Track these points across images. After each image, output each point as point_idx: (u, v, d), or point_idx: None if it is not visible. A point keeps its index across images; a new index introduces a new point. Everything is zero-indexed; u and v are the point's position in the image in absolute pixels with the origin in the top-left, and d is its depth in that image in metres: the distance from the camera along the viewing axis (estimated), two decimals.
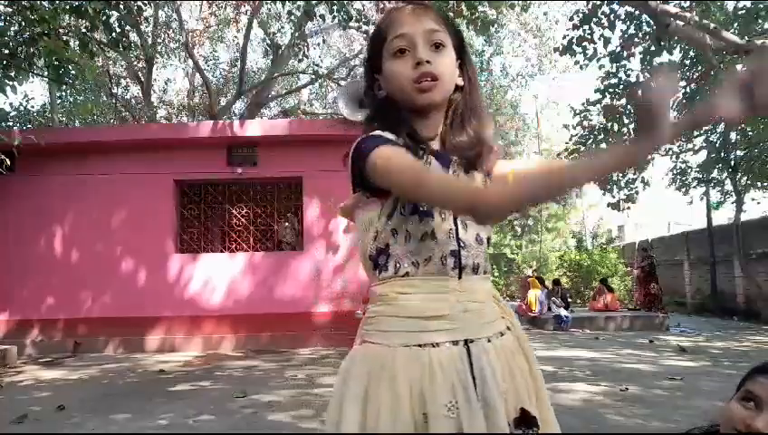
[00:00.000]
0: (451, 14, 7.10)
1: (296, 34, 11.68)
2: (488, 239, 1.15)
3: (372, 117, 1.19)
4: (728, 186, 13.77)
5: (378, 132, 1.10)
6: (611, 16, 8.61)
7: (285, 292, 8.01)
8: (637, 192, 11.09)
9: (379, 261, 1.09)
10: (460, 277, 1.07)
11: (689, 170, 13.86)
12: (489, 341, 1.06)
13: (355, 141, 1.09)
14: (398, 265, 1.07)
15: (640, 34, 8.87)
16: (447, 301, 1.05)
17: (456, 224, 1.09)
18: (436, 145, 1.16)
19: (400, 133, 1.11)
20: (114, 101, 16.48)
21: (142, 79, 15.75)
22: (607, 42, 8.68)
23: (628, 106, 9.70)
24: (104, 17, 6.64)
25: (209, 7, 15.27)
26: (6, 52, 5.99)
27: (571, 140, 11.15)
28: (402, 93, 1.11)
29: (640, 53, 9.10)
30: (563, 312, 10.62)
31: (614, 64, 9.31)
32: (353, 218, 1.18)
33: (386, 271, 1.08)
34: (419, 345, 1.02)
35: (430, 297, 1.05)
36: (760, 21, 8.59)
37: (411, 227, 1.07)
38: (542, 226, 22.30)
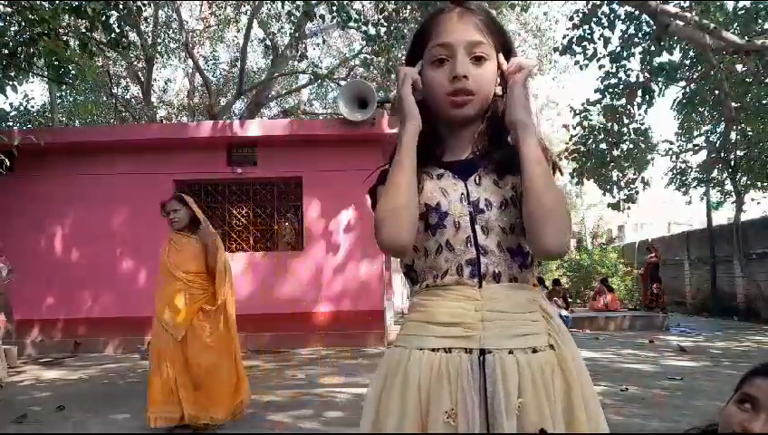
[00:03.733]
0: None
1: (296, 35, 11.68)
2: (527, 254, 1.10)
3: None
4: (728, 186, 13.77)
5: (382, 171, 1.16)
6: (611, 16, 8.61)
7: (285, 292, 8.01)
8: (637, 192, 11.08)
9: (411, 276, 1.15)
10: (480, 286, 1.06)
11: (689, 170, 13.86)
12: (511, 353, 1.01)
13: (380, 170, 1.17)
14: (422, 279, 1.11)
15: (640, 34, 8.87)
16: (465, 309, 1.04)
17: (474, 231, 1.08)
18: (466, 151, 1.15)
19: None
20: (114, 101, 16.47)
21: (142, 79, 15.76)
22: (607, 42, 8.68)
23: (628, 106, 9.70)
24: (104, 17, 6.63)
25: (209, 7, 15.27)
26: (6, 52, 5.99)
27: (570, 140, 11.15)
28: (436, 103, 1.13)
29: (640, 53, 9.10)
30: (564, 312, 10.63)
31: (614, 64, 9.30)
32: None
33: (415, 284, 1.14)
34: (433, 350, 1.04)
35: (449, 305, 1.06)
36: (760, 21, 8.59)
37: (427, 243, 1.10)
38: None
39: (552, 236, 1.00)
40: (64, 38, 6.69)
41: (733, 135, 12.07)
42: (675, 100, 11.38)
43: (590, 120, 10.54)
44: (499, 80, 1.14)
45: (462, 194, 1.09)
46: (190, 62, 15.92)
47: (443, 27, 1.10)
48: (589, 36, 8.75)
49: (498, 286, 1.06)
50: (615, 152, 10.42)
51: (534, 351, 1.04)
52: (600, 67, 9.44)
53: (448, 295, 1.06)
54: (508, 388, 0.98)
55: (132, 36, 10.59)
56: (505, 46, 1.15)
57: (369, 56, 9.89)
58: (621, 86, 9.48)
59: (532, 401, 0.99)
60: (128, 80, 17.16)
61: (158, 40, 14.80)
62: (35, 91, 32.83)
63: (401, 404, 1.02)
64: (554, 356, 1.05)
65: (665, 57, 9.42)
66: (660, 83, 9.61)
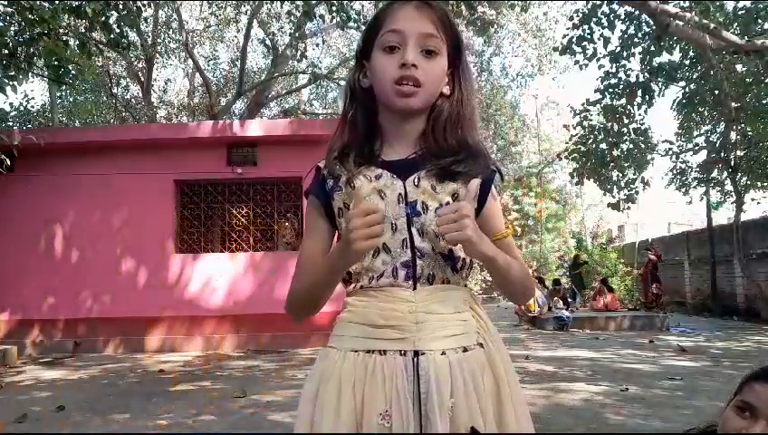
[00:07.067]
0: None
1: (296, 35, 11.69)
2: (461, 259, 1.09)
3: (348, 111, 1.18)
4: (728, 186, 13.76)
5: (316, 169, 1.20)
6: (611, 16, 8.62)
7: (285, 292, 7.95)
8: (637, 192, 11.09)
9: (344, 278, 1.12)
10: (414, 288, 1.05)
11: (689, 170, 13.86)
12: (444, 354, 1.02)
13: (309, 173, 1.21)
14: (357, 280, 1.10)
15: (640, 34, 8.87)
16: (399, 311, 1.04)
17: (410, 233, 1.06)
18: (408, 150, 1.12)
19: (354, 143, 1.14)
20: (114, 101, 16.47)
21: (142, 79, 15.76)
22: (607, 42, 8.68)
23: (628, 106, 9.71)
24: (103, 17, 6.63)
25: (209, 7, 15.26)
26: (6, 52, 5.98)
27: (570, 140, 11.16)
28: (382, 91, 1.09)
29: (640, 53, 9.11)
30: (565, 313, 10.63)
31: (614, 64, 9.31)
32: None
33: (349, 285, 1.12)
34: (368, 352, 1.04)
35: (382, 307, 1.05)
36: (760, 21, 8.59)
37: None
38: (542, 226, 22.30)
39: (523, 300, 1.25)
40: (64, 38, 6.69)
41: (733, 135, 12.07)
42: (675, 100, 11.38)
43: (590, 121, 10.55)
44: (447, 79, 1.12)
45: (400, 195, 1.07)
46: (190, 62, 15.91)
47: (397, 16, 1.08)
48: (589, 36, 8.76)
49: (431, 288, 1.06)
50: (615, 152, 10.43)
51: (465, 350, 1.05)
52: (600, 67, 9.46)
53: (382, 297, 1.06)
54: (441, 389, 0.99)
55: (132, 36, 10.59)
56: (456, 46, 1.12)
57: None
58: (621, 86, 9.49)
59: (464, 401, 1.00)
60: (128, 80, 17.16)
61: (158, 40, 14.80)
62: (35, 91, 32.80)
63: (336, 407, 1.01)
64: (483, 354, 1.07)
65: (665, 57, 9.44)
66: (660, 83, 9.63)
